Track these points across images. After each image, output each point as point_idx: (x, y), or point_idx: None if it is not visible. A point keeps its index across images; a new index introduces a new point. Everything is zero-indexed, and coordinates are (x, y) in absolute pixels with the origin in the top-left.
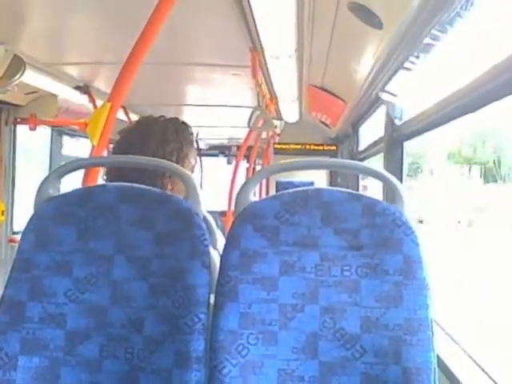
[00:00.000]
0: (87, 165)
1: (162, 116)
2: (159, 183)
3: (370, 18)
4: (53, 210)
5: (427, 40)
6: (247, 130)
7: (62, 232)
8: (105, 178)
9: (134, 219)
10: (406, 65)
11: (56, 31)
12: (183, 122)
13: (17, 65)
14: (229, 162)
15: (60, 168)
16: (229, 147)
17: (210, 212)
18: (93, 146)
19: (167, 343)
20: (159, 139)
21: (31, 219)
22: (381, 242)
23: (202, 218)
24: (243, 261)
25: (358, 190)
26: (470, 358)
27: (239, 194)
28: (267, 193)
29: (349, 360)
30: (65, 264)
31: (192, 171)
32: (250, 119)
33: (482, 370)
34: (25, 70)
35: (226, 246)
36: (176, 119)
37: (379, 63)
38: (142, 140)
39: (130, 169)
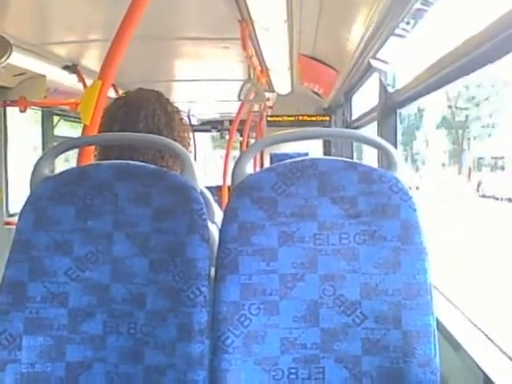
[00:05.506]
0: (82, 144)
1: (141, 88)
2: (159, 161)
3: None
4: (50, 190)
5: (418, 5)
6: (239, 103)
7: (60, 211)
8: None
9: (131, 196)
10: (398, 31)
11: (42, 10)
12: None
13: (3, 46)
14: (222, 137)
15: (55, 148)
16: (221, 122)
17: (207, 188)
18: (84, 125)
19: (170, 317)
20: (148, 109)
21: (28, 200)
22: (378, 208)
23: (199, 193)
24: (242, 233)
25: (352, 159)
26: (469, 320)
27: (235, 167)
28: (262, 166)
29: (350, 326)
30: (64, 243)
31: (186, 147)
32: (240, 92)
33: (481, 331)
34: (11, 51)
35: (224, 219)
36: (156, 91)
37: (370, 30)
38: (135, 112)
39: (129, 147)
